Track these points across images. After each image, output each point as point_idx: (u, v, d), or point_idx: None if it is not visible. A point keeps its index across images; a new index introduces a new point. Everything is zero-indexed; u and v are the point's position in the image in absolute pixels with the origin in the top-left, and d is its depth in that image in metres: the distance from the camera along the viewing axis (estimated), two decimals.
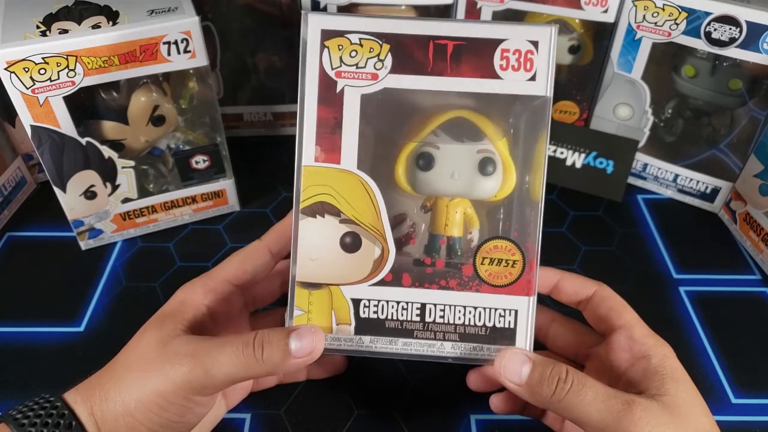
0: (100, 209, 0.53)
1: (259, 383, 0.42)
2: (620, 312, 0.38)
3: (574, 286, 0.40)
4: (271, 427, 0.41)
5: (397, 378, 0.44)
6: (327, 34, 0.36)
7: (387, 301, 0.37)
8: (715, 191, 0.59)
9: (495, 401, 0.39)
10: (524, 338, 0.36)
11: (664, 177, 0.61)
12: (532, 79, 0.36)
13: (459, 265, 0.37)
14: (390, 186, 0.38)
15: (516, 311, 0.36)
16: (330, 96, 0.36)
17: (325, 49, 0.36)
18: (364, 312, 0.37)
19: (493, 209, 0.38)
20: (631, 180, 0.62)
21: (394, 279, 0.37)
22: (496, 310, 0.36)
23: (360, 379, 0.44)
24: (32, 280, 0.52)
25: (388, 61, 0.36)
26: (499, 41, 0.36)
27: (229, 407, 0.41)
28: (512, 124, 0.37)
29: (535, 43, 0.36)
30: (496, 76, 0.36)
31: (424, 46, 0.36)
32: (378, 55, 0.36)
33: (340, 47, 0.36)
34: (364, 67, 0.36)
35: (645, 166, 0.61)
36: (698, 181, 0.59)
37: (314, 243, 0.37)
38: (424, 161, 0.38)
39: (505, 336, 0.36)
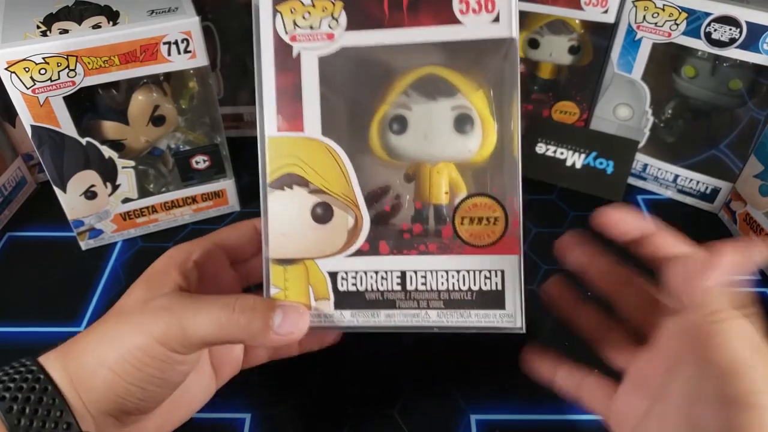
0: (100, 209, 0.53)
1: (249, 359, 0.41)
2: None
3: (670, 243, 0.33)
4: (271, 427, 0.41)
5: (397, 378, 0.44)
6: None
7: (365, 272, 0.35)
8: (715, 192, 0.59)
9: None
10: (513, 300, 0.34)
11: (664, 177, 0.61)
12: (496, 20, 0.34)
13: (438, 228, 0.35)
14: (364, 153, 0.36)
15: (502, 272, 0.34)
16: (287, 62, 0.35)
17: (278, 14, 0.35)
18: (342, 285, 0.35)
19: (478, 171, 0.36)
20: (631, 180, 0.62)
21: (371, 248, 0.35)
22: (480, 272, 0.34)
23: (360, 379, 0.44)
24: (32, 280, 0.52)
25: (343, 19, 0.34)
26: None
27: (220, 382, 0.40)
28: (485, 75, 0.35)
29: None
30: (456, 21, 0.34)
31: None
32: (332, 13, 0.34)
33: (293, 10, 0.34)
34: (319, 27, 0.34)
35: (645, 166, 0.61)
36: (698, 182, 0.59)
37: (285, 217, 0.35)
38: (397, 124, 0.36)
39: (492, 299, 0.34)
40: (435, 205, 0.36)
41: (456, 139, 0.36)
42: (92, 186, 0.51)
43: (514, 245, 0.34)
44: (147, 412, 0.34)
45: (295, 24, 0.34)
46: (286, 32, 0.35)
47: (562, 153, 0.61)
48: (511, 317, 0.35)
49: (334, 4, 0.34)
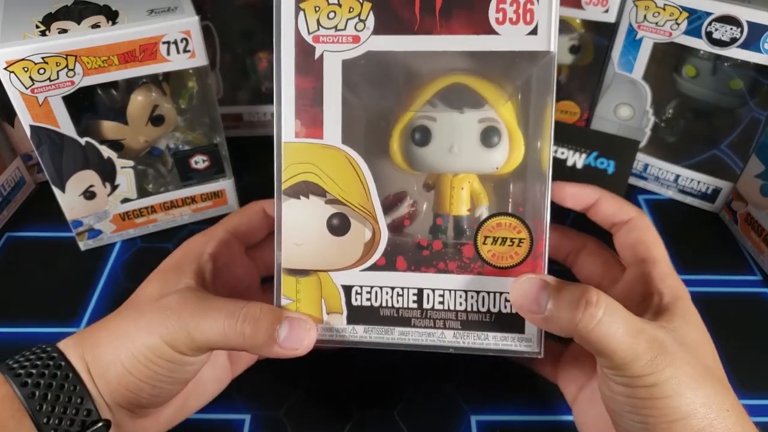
0: (99, 209, 0.52)
1: None
2: (649, 245, 0.36)
3: (612, 208, 0.38)
4: (271, 427, 0.41)
5: (397, 378, 0.44)
6: None
7: (381, 288, 0.34)
8: (716, 192, 0.58)
9: None
10: (534, 325, 0.33)
11: (665, 177, 0.60)
12: (533, 32, 0.32)
13: (458, 246, 0.34)
14: (383, 162, 0.34)
15: None
16: (308, 64, 0.33)
17: (301, 12, 0.32)
18: (356, 300, 0.34)
19: (501, 183, 0.35)
20: (632, 180, 0.62)
21: (388, 263, 0.34)
22: (501, 294, 0.33)
23: (360, 379, 0.44)
24: (32, 280, 0.52)
25: (370, 21, 0.32)
26: None
27: (235, 373, 0.41)
28: (516, 87, 0.33)
29: None
30: (492, 31, 0.32)
31: (409, 1, 0.32)
32: (359, 14, 0.32)
33: (317, 9, 0.32)
34: (344, 29, 0.32)
35: (646, 166, 0.61)
36: (699, 182, 0.59)
37: (299, 226, 0.34)
38: (420, 135, 0.34)
39: (511, 323, 0.33)
40: (455, 216, 0.35)
41: (482, 152, 0.34)
42: (91, 186, 0.51)
43: (539, 268, 0.33)
44: (159, 406, 0.35)
45: (318, 24, 0.32)
46: (309, 32, 0.32)
47: (563, 153, 0.61)
48: (529, 341, 0.34)
49: (362, 4, 0.32)
